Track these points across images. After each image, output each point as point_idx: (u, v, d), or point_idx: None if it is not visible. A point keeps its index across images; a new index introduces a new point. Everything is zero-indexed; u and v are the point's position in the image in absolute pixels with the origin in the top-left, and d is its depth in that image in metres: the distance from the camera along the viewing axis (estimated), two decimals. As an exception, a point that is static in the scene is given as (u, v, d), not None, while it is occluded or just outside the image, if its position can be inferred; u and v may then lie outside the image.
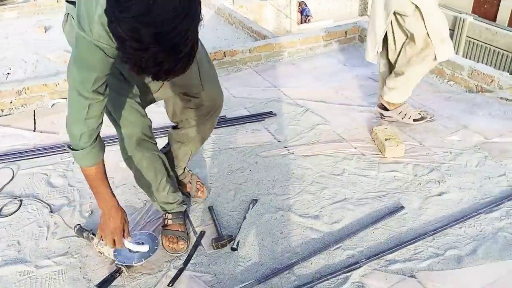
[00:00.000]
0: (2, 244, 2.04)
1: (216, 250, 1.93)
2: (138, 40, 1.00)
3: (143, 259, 1.80)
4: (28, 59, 3.95)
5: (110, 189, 1.68)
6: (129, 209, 2.22)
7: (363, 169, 2.41)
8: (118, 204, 1.71)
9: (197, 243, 1.96)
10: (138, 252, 1.79)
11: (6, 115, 3.30)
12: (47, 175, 2.53)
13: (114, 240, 1.70)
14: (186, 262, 1.85)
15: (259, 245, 1.94)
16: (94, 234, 1.97)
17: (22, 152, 2.75)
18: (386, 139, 2.48)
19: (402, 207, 2.08)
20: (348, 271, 1.77)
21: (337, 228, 2.02)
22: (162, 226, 1.98)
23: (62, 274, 1.86)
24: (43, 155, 2.72)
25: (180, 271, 1.80)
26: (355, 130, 2.78)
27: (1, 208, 2.27)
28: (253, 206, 2.16)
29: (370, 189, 2.25)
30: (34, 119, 3.19)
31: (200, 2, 1.07)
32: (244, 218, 2.09)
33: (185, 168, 2.17)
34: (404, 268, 1.77)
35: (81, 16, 1.25)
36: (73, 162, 2.64)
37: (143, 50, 1.01)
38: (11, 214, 2.23)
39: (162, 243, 1.92)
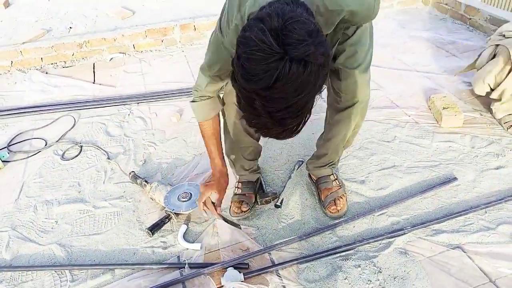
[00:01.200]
0: (65, 185, 2.22)
1: (260, 206, 1.98)
2: (252, 106, 1.03)
3: (190, 209, 1.89)
4: (88, 14, 4.09)
5: (219, 150, 1.71)
6: (179, 161, 2.32)
7: (416, 137, 2.32)
8: (225, 169, 1.75)
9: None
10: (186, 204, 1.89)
11: (68, 66, 3.49)
12: (105, 125, 2.68)
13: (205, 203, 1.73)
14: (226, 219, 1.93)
15: (302, 204, 1.96)
16: (146, 182, 2.08)
17: (83, 102, 2.91)
18: (444, 108, 2.35)
19: (455, 178, 1.99)
20: (391, 237, 1.75)
21: (383, 195, 1.98)
22: (234, 193, 1.99)
23: (117, 215, 2.01)
24: (102, 106, 2.87)
25: (225, 220, 1.86)
26: (410, 98, 2.66)
27: (64, 152, 2.45)
28: (298, 167, 2.17)
29: (422, 158, 2.17)
30: (94, 72, 3.35)
31: (327, 74, 1.04)
32: (289, 177, 2.11)
33: None
34: (451, 238, 1.72)
35: (223, 15, 1.33)
36: (128, 114, 2.77)
37: (254, 115, 1.05)
38: (72, 158, 2.40)
39: (230, 209, 1.94)
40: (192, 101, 1.61)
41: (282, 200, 1.99)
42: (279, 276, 1.65)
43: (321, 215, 1.91)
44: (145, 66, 3.39)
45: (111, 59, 3.54)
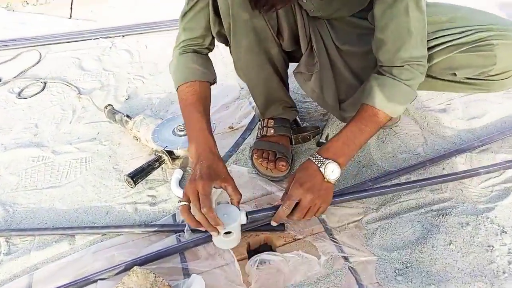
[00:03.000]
0: (18, 127, 1.58)
1: (295, 146, 1.35)
2: None
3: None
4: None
5: (208, 122, 1.06)
6: (174, 96, 1.67)
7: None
8: (215, 147, 1.04)
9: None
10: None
11: (42, 4, 2.84)
12: (79, 59, 2.04)
13: (197, 192, 0.93)
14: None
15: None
16: (129, 117, 1.45)
17: (53, 36, 2.27)
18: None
19: None
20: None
21: (480, 125, 1.34)
22: (257, 138, 1.34)
23: (85, 162, 1.38)
24: (76, 40, 2.23)
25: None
26: None
27: (21, 90, 1.82)
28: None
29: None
30: (71, 8, 2.69)
31: None
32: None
33: None
34: None
35: None
36: (110, 47, 2.13)
37: None
38: (31, 96, 1.77)
39: (253, 159, 1.29)
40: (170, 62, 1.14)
41: (328, 135, 1.35)
42: (336, 242, 1.02)
43: (389, 154, 1.27)
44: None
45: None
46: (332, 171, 0.98)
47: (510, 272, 0.90)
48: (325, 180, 0.98)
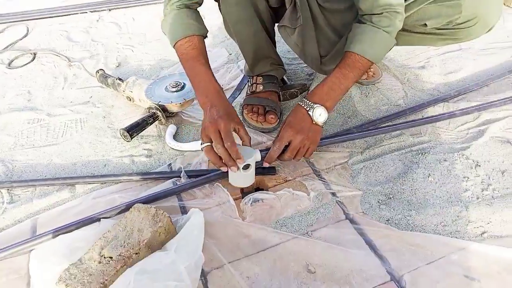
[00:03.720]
0: (10, 94, 1.60)
1: (283, 102, 1.41)
2: None
3: (184, 99, 1.30)
4: None
5: (212, 74, 1.11)
6: (166, 62, 1.73)
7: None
8: (223, 92, 1.13)
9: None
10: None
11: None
12: (67, 32, 2.05)
13: (218, 131, 1.02)
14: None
15: (344, 96, 1.38)
16: (121, 79, 1.49)
17: (41, 10, 2.27)
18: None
19: (553, 54, 1.45)
20: (483, 109, 1.23)
21: (455, 79, 1.43)
22: (247, 95, 1.40)
23: (81, 122, 1.41)
24: (63, 14, 2.24)
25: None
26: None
27: (11, 61, 1.83)
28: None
29: (496, 39, 1.61)
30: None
31: None
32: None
33: None
34: None
35: None
36: (97, 20, 2.15)
37: None
38: (21, 66, 1.79)
39: (243, 114, 1.35)
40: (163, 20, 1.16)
41: (314, 91, 1.42)
42: (324, 181, 1.09)
43: (372, 107, 1.34)
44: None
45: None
46: (320, 114, 1.05)
47: (483, 198, 0.99)
48: (314, 123, 1.05)
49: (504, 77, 1.39)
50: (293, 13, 1.24)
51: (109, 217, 1.01)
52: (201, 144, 1.04)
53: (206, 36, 1.19)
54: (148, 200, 1.04)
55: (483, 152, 1.11)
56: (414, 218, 0.96)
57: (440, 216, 0.95)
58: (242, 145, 1.06)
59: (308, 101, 1.06)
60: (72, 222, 1.00)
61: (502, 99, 1.27)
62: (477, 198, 0.99)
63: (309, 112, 1.05)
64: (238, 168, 1.01)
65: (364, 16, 1.06)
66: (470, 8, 1.08)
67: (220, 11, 1.26)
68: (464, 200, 0.98)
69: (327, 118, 1.07)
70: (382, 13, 1.03)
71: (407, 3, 1.11)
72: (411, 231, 0.93)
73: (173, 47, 1.15)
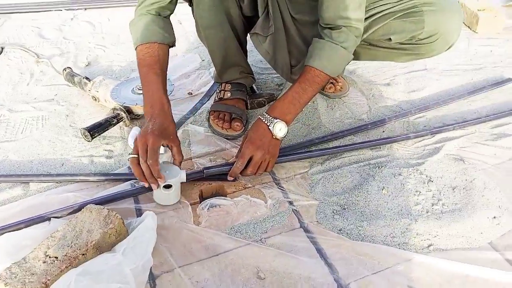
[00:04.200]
0: (-28, 87, 1.57)
1: (249, 110, 1.42)
2: None
3: (150, 102, 1.29)
4: None
5: (164, 82, 1.11)
6: (136, 65, 1.69)
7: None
8: (169, 108, 1.10)
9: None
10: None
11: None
12: (39, 28, 2.02)
13: (146, 146, 1.00)
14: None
15: (310, 106, 1.40)
16: (87, 79, 1.47)
17: (14, 5, 2.23)
18: (479, 10, 1.87)
19: (510, 79, 1.51)
20: (437, 132, 1.27)
21: (418, 97, 1.47)
22: (214, 101, 1.41)
23: (42, 120, 1.39)
24: (38, 10, 2.20)
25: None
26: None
27: (-23, 54, 1.79)
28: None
29: (460, 61, 1.68)
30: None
31: None
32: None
33: None
34: (520, 144, 1.23)
35: None
36: (72, 18, 2.12)
37: None
38: (-13, 59, 1.75)
39: (209, 120, 1.35)
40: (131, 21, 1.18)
41: (281, 101, 1.43)
42: (282, 189, 1.10)
43: (337, 119, 1.37)
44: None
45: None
46: (279, 129, 1.07)
47: (432, 212, 1.01)
48: (274, 137, 1.07)
49: (464, 98, 1.44)
50: (266, 21, 1.26)
51: (60, 217, 0.99)
52: (129, 154, 1.03)
53: (173, 45, 1.19)
54: (104, 201, 1.02)
55: (437, 169, 1.14)
56: (365, 229, 0.97)
57: (390, 228, 0.97)
58: (173, 164, 1.06)
59: (268, 116, 1.08)
60: (21, 220, 0.97)
61: (457, 123, 1.31)
62: (427, 212, 1.01)
63: (269, 127, 1.07)
64: (158, 186, 1.00)
65: (324, 31, 1.09)
66: (432, 25, 1.13)
67: (193, 15, 1.27)
68: (414, 213, 1.01)
69: (287, 132, 1.09)
70: (341, 28, 1.06)
71: (373, 18, 1.16)
72: (361, 241, 0.95)
73: (135, 50, 1.15)
